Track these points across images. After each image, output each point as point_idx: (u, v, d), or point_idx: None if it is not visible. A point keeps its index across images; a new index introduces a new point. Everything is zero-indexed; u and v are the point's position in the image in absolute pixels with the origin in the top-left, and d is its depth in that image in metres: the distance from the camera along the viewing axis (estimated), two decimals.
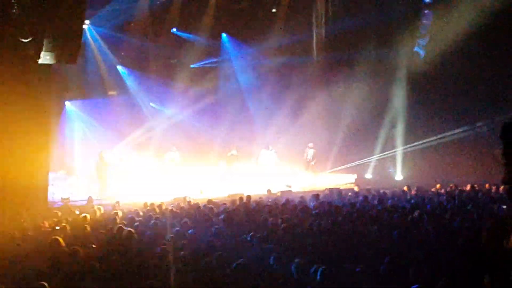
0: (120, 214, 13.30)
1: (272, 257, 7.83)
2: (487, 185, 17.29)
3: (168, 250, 8.44)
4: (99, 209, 14.29)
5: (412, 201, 14.83)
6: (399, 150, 23.99)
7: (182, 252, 8.33)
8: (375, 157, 24.37)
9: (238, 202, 15.42)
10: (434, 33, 23.47)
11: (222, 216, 12.19)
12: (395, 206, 13.28)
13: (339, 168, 24.31)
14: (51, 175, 17.92)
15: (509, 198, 2.38)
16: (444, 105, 22.68)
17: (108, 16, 23.23)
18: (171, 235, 9.91)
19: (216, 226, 10.88)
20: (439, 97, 22.89)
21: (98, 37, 24.24)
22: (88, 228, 11.14)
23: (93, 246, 9.26)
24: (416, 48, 24.21)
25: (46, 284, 6.47)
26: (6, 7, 14.67)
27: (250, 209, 13.91)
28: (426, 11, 23.81)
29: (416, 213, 11.40)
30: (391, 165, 24.54)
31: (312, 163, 23.51)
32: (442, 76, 22.72)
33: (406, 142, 23.68)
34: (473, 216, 10.93)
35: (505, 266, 2.10)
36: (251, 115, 25.63)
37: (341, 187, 20.26)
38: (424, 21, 23.96)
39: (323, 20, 26.13)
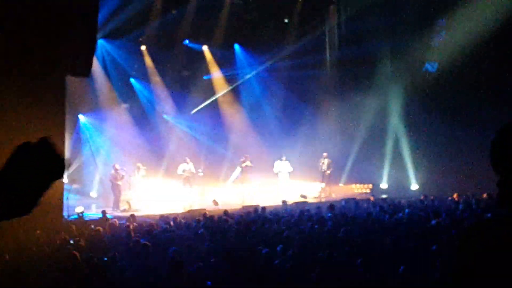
0: (135, 227, 13.27)
1: (288, 268, 7.76)
2: None
3: (183, 262, 8.37)
4: (114, 222, 14.26)
5: (429, 210, 14.60)
6: (413, 159, 23.76)
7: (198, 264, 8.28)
8: (389, 166, 24.14)
9: (253, 214, 15.33)
10: (448, 41, 23.34)
11: (237, 228, 12.13)
12: (412, 216, 13.13)
13: (355, 178, 24.15)
14: (65, 189, 17.92)
15: (498, 203, 2.17)
16: (461, 111, 22.39)
17: (120, 29, 23.32)
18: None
19: (231, 238, 10.82)
20: (455, 104, 22.59)
21: (110, 50, 24.37)
22: (103, 242, 11.12)
23: (107, 259, 9.23)
24: (427, 65, 24.12)
25: None
26: (20, 21, 14.74)
27: (265, 220, 13.80)
28: (439, 23, 23.73)
29: (433, 223, 11.26)
30: (401, 176, 24.19)
31: (328, 172, 23.20)
32: (458, 83, 22.44)
33: (421, 151, 23.45)
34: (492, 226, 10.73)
35: None
36: (265, 125, 25.54)
37: (357, 197, 20.12)
38: (437, 30, 23.90)
39: (336, 35, 26.19)
